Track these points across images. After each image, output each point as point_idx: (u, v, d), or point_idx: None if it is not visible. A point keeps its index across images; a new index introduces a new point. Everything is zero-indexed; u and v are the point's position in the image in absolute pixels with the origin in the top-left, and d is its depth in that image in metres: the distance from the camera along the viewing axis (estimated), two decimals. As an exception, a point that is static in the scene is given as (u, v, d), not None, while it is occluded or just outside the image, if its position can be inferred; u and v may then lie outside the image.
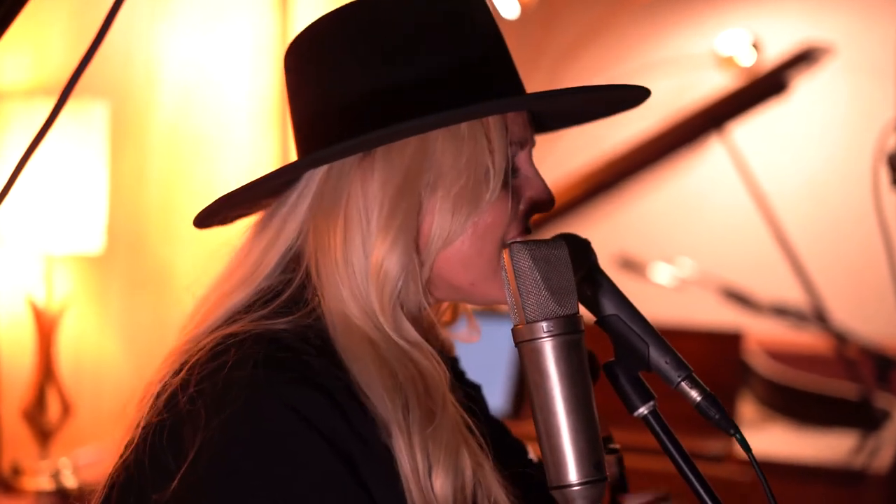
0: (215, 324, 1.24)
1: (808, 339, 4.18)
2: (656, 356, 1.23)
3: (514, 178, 1.26)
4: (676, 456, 1.22)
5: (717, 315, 4.32)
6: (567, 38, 4.80)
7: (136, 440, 1.19)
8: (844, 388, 3.76)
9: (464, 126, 1.21)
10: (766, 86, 3.60)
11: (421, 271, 1.24)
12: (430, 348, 1.22)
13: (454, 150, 1.21)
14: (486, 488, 1.20)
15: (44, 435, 2.90)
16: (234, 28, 3.77)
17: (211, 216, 1.33)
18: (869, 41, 4.85)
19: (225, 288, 1.27)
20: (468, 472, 1.18)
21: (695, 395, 1.21)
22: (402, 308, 1.23)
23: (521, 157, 1.27)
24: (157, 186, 3.43)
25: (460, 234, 1.23)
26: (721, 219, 5.07)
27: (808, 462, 3.26)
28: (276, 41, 4.04)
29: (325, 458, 1.13)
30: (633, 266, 4.09)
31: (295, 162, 1.24)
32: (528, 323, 1.10)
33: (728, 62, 4.46)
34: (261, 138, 3.94)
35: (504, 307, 1.19)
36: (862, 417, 3.58)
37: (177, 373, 1.19)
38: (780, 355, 4.27)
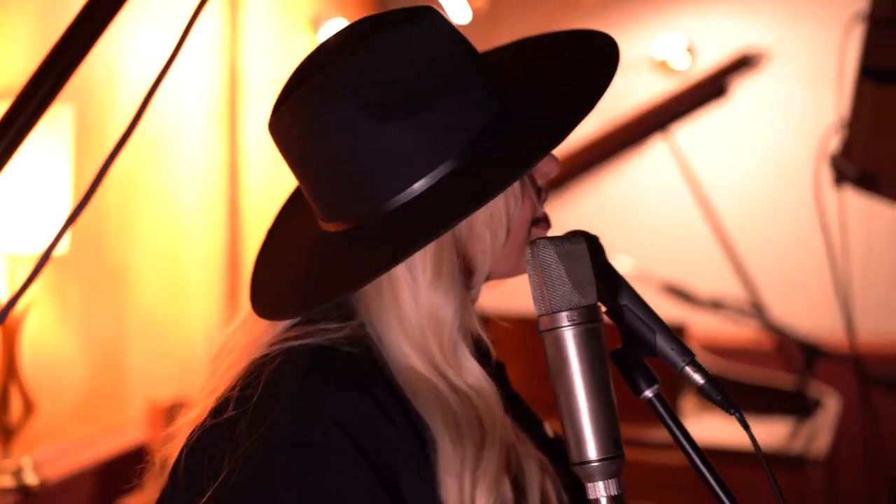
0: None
1: (746, 332, 4.32)
2: (662, 343, 1.31)
3: None
4: (679, 435, 1.31)
5: (658, 310, 4.44)
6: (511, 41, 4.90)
7: (181, 451, 1.23)
8: (780, 379, 3.92)
9: None
10: (706, 89, 3.73)
11: (472, 294, 1.30)
12: (489, 385, 1.27)
13: None
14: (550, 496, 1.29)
15: (6, 433, 2.92)
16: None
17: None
18: (806, 45, 5.01)
19: (252, 335, 1.28)
20: (508, 496, 1.24)
21: (698, 378, 1.29)
22: (464, 337, 1.27)
23: None
24: (116, 187, 3.46)
25: (504, 244, 1.30)
26: (661, 216, 5.18)
27: (749, 448, 3.39)
28: (226, 43, 4.08)
29: (364, 477, 1.17)
30: (574, 263, 4.19)
31: (357, 278, 1.21)
32: (552, 313, 1.17)
33: (662, 66, 4.61)
34: (212, 138, 3.98)
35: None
36: (796, 406, 3.74)
37: (234, 381, 1.23)
38: (720, 349, 4.42)
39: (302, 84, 1.23)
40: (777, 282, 4.86)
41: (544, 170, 1.33)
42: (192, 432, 1.23)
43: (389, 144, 1.21)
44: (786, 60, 4.95)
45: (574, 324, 1.18)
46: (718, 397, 1.30)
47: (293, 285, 1.29)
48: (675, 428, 1.30)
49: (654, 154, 4.53)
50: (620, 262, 4.52)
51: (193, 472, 1.20)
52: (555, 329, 1.18)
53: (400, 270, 1.23)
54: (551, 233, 1.33)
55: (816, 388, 3.86)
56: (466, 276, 1.29)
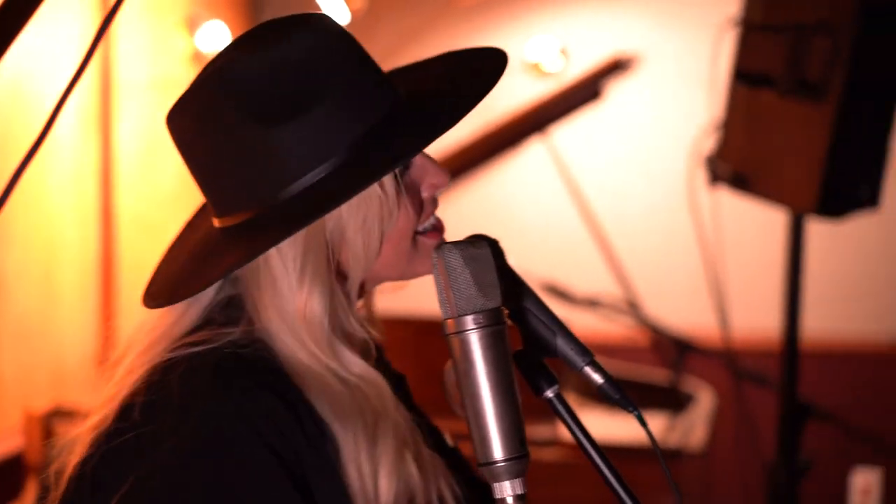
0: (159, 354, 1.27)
1: (622, 330, 4.41)
2: (563, 344, 1.34)
3: (407, 174, 1.32)
4: (578, 433, 1.34)
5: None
6: (387, 43, 4.92)
7: (87, 453, 1.23)
8: (654, 375, 4.01)
9: None
10: (581, 92, 3.81)
11: (350, 297, 1.33)
12: (374, 373, 1.30)
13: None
14: (438, 491, 1.31)
15: None
16: (57, 29, 3.72)
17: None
18: (679, 49, 5.12)
19: (150, 339, 1.29)
20: (414, 480, 1.27)
21: (597, 378, 1.32)
22: (340, 335, 1.29)
23: None
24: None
25: (378, 253, 1.31)
26: (539, 217, 5.23)
27: (626, 443, 3.47)
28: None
29: (280, 481, 1.19)
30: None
31: (217, 273, 1.26)
32: (458, 316, 1.19)
33: (535, 68, 4.68)
34: (84, 140, 3.90)
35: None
36: (669, 401, 3.84)
37: (136, 386, 1.24)
38: (597, 346, 4.50)
39: (192, 88, 1.29)
40: (652, 280, 4.97)
41: (431, 182, 1.34)
42: (95, 439, 1.23)
43: (265, 147, 1.25)
44: (659, 64, 5.05)
45: (480, 327, 1.21)
46: (617, 396, 1.33)
47: (171, 279, 1.32)
48: (574, 427, 1.33)
49: (532, 155, 4.59)
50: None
51: (101, 479, 1.20)
52: (461, 332, 1.20)
53: (278, 265, 1.26)
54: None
55: (691, 383, 3.97)
56: (342, 279, 1.31)
